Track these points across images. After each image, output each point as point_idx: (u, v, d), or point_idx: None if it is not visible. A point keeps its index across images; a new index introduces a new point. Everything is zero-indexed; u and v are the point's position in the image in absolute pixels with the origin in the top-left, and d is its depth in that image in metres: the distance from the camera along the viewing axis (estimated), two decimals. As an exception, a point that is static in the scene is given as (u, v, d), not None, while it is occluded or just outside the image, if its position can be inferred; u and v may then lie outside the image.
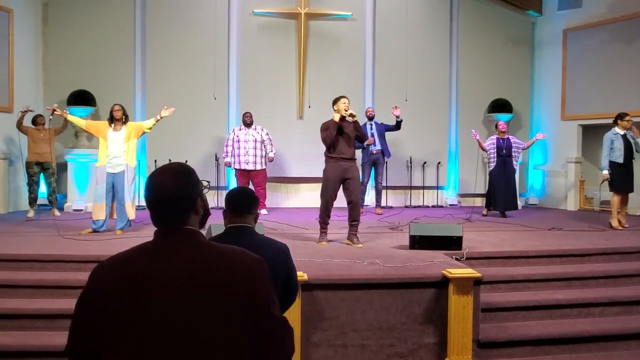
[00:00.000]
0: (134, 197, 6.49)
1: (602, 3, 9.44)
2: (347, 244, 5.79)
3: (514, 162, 8.48)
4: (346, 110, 5.63)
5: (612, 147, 7.10)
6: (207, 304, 1.46)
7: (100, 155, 6.29)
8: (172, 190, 1.55)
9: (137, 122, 6.48)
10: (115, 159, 6.23)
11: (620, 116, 7.18)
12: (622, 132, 7.13)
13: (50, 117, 6.82)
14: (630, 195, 7.44)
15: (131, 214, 6.38)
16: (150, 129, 6.55)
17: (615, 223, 7.15)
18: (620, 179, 7.14)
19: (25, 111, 7.37)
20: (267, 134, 8.55)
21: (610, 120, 7.50)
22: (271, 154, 8.53)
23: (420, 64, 10.09)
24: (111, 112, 6.33)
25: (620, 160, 7.04)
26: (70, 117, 6.51)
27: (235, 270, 1.52)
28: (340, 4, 9.86)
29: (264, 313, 1.55)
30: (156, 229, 1.59)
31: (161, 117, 6.51)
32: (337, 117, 5.69)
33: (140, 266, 1.51)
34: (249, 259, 1.58)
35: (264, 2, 9.68)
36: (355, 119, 5.68)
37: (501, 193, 8.32)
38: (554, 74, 10.27)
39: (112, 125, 6.29)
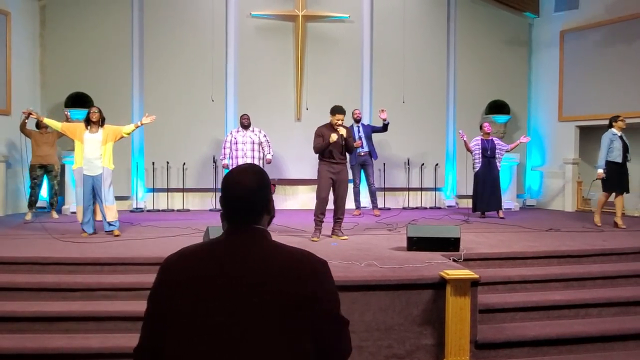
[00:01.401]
0: (114, 200, 6.47)
1: (599, 4, 9.47)
2: (334, 237, 6.37)
3: (498, 164, 8.50)
4: (337, 126, 6.22)
5: (610, 147, 7.27)
6: (274, 304, 1.47)
7: (77, 157, 6.28)
8: (254, 189, 1.59)
9: (114, 126, 6.46)
10: (93, 161, 6.22)
11: (614, 118, 7.39)
12: (619, 133, 7.30)
13: (27, 120, 6.86)
14: (627, 195, 7.51)
15: (112, 215, 6.35)
16: (128, 134, 6.56)
17: (597, 219, 7.47)
18: (615, 179, 7.30)
19: (27, 114, 7.38)
20: (265, 136, 8.55)
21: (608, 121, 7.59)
22: (269, 156, 8.52)
23: (418, 65, 10.11)
24: (88, 114, 6.32)
25: (619, 160, 7.22)
26: (46, 120, 6.53)
27: (303, 271, 1.54)
28: (338, 5, 9.88)
29: (332, 314, 1.57)
30: (227, 227, 1.60)
31: (141, 124, 6.55)
32: (333, 138, 6.13)
33: (205, 263, 1.53)
34: (316, 261, 1.60)
35: (261, 4, 9.69)
36: (345, 135, 6.24)
37: (486, 193, 8.34)
38: (551, 75, 10.30)
39: (89, 127, 6.27)
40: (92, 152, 6.22)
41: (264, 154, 8.53)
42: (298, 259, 1.58)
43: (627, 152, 7.29)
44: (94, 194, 6.30)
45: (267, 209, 1.63)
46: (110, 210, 6.34)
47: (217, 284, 1.48)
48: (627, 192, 7.44)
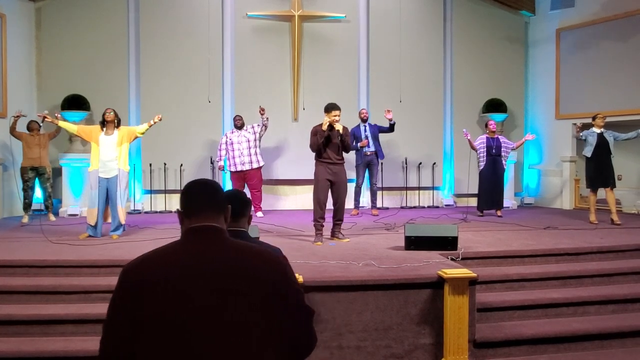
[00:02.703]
0: (127, 202, 6.44)
1: (595, 2, 9.48)
2: (335, 239, 6.20)
3: (504, 162, 8.50)
4: (334, 122, 5.96)
5: (586, 142, 7.62)
6: (241, 302, 1.50)
7: (93, 160, 6.25)
8: (214, 188, 1.74)
9: (129, 127, 6.45)
10: (108, 163, 6.19)
11: (594, 117, 7.72)
12: (598, 131, 7.59)
13: (41, 123, 6.82)
14: (624, 193, 7.54)
15: (122, 218, 6.34)
16: (142, 133, 6.54)
17: (592, 218, 7.60)
18: (589, 174, 7.61)
19: (18, 116, 7.35)
20: (257, 126, 8.51)
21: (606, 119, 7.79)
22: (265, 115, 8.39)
23: (415, 64, 10.11)
24: (103, 116, 6.30)
25: (589, 154, 7.54)
26: (61, 123, 6.47)
27: (267, 267, 1.59)
28: (334, 5, 9.87)
29: (298, 305, 1.63)
30: (188, 227, 1.65)
31: (154, 123, 6.51)
32: (325, 126, 5.95)
33: (168, 266, 1.54)
34: (276, 256, 1.67)
35: (257, 5, 9.68)
36: (342, 132, 6.00)
37: (489, 191, 8.35)
38: (548, 74, 10.31)
39: (104, 129, 6.25)
40: (107, 154, 6.19)
41: (259, 151, 8.54)
42: (259, 256, 1.61)
43: (606, 148, 7.50)
44: (106, 197, 6.28)
45: (223, 212, 1.72)
46: (122, 212, 6.32)
47: (182, 286, 1.49)
48: (611, 186, 7.53)
